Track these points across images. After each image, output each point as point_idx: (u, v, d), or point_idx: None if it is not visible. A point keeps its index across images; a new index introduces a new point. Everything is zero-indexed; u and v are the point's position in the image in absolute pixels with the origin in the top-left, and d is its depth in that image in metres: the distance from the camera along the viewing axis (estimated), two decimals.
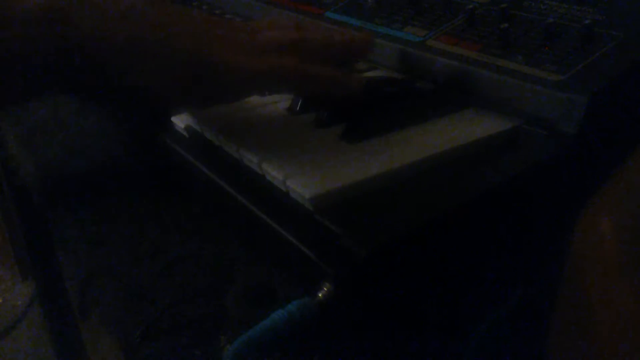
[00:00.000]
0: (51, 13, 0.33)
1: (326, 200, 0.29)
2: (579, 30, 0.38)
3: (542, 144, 0.35)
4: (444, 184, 0.31)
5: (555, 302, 0.25)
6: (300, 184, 0.30)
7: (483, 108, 0.39)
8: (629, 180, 0.26)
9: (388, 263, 0.26)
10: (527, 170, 0.32)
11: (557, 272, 0.25)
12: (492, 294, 0.32)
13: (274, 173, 0.31)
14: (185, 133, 0.40)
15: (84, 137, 0.47)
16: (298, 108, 0.40)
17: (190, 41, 0.35)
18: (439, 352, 0.29)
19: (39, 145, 0.47)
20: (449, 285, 0.29)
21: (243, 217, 0.33)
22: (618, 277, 0.22)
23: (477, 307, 0.31)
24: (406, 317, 0.28)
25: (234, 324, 0.28)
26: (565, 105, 0.34)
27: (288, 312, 0.25)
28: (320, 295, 0.26)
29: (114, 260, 0.34)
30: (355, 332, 0.26)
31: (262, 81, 0.36)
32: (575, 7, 0.41)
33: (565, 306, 0.24)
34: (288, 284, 0.30)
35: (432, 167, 0.33)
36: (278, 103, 0.41)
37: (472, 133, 0.36)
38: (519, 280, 0.33)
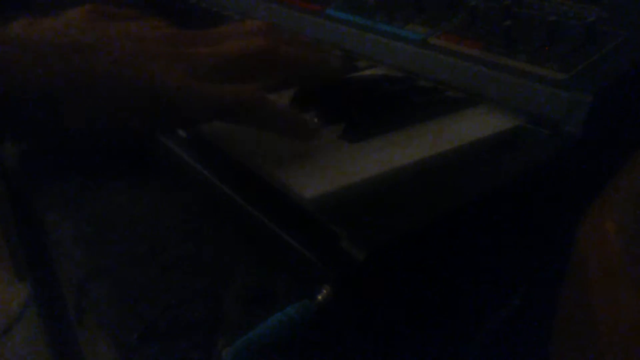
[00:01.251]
0: None
1: (326, 200, 0.29)
2: (582, 28, 0.38)
3: (544, 144, 0.34)
4: (445, 184, 0.31)
5: (558, 303, 0.24)
6: (300, 184, 0.29)
7: (485, 107, 0.39)
8: (632, 181, 0.25)
9: (388, 265, 0.26)
10: (529, 170, 0.32)
11: (559, 273, 0.25)
12: (494, 295, 0.32)
13: (273, 173, 0.31)
14: (183, 133, 0.39)
15: (82, 136, 0.47)
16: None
17: (126, 67, 0.31)
18: (440, 355, 0.29)
19: (36, 145, 0.47)
20: (450, 287, 0.29)
21: (242, 218, 0.32)
22: (621, 278, 0.22)
23: (479, 308, 0.31)
24: (407, 319, 0.27)
25: (233, 327, 0.28)
26: (569, 104, 0.34)
27: (287, 315, 0.25)
28: (319, 297, 0.25)
29: (110, 262, 0.34)
30: (355, 335, 0.26)
31: (219, 110, 0.32)
32: (579, 4, 0.41)
33: (568, 307, 0.24)
34: (287, 286, 0.30)
35: (433, 167, 0.33)
36: (277, 102, 0.41)
37: (474, 132, 0.35)
38: (521, 281, 0.33)
